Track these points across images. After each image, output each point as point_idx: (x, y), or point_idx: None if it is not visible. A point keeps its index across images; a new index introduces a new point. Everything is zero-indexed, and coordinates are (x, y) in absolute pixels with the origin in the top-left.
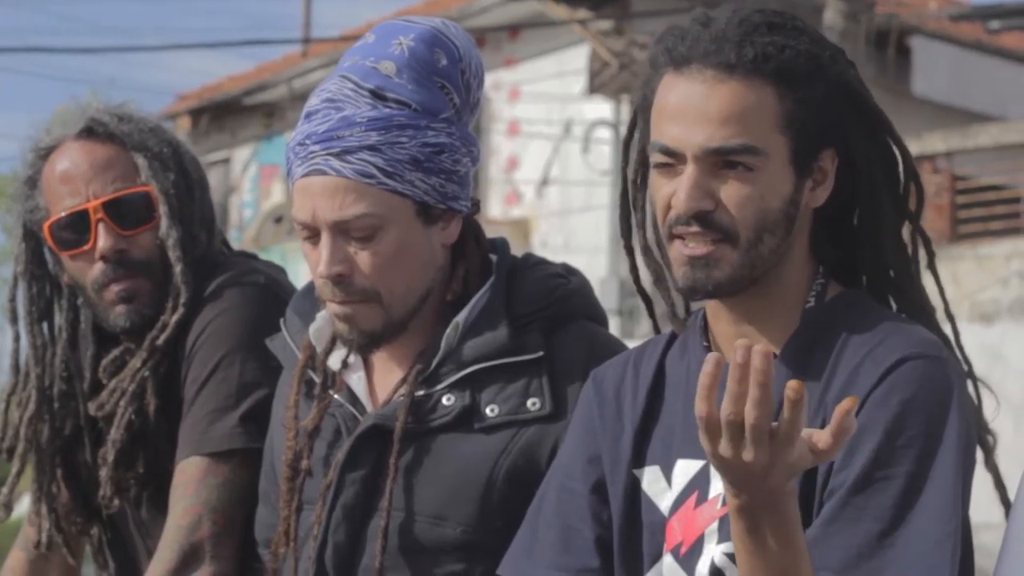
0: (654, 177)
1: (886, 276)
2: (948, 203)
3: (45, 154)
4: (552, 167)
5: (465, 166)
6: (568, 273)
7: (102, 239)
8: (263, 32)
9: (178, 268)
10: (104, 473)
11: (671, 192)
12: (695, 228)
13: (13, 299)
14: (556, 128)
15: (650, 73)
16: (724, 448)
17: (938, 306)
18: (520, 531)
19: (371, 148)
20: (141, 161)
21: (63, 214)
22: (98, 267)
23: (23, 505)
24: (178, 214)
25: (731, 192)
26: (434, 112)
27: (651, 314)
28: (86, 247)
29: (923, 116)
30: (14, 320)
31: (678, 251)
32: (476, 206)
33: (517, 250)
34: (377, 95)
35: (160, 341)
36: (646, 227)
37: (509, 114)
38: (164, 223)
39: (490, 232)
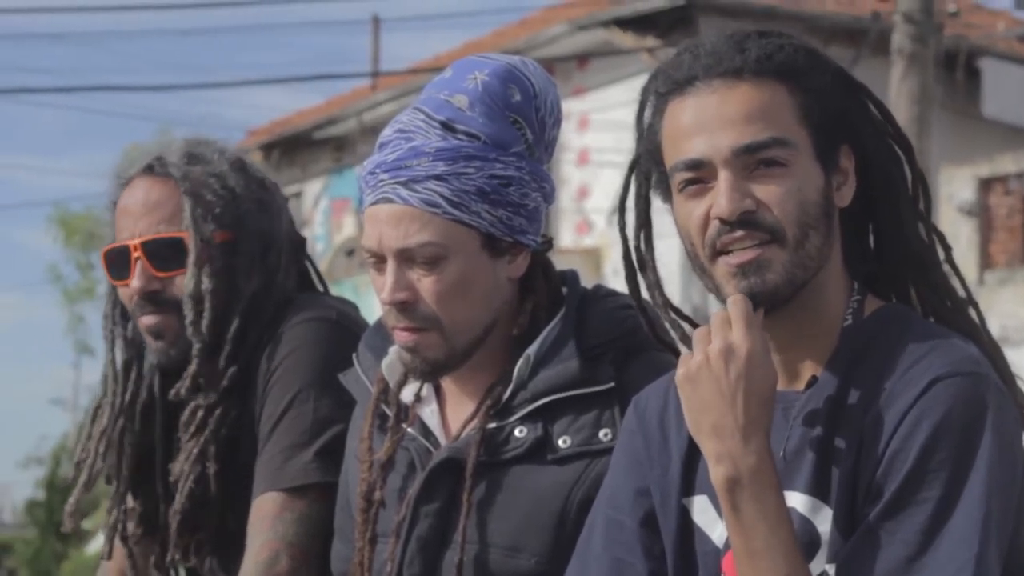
0: (680, 204)
1: (916, 276)
2: (1021, 224)
3: (125, 183)
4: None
5: (535, 201)
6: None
7: (136, 277)
8: (332, 66)
9: (197, 318)
10: (170, 538)
11: (705, 210)
12: (740, 233)
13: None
14: (626, 156)
15: (645, 122)
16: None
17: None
18: (570, 566)
19: (438, 178)
20: (187, 206)
21: (111, 246)
22: (134, 300)
23: (101, 541)
24: (218, 264)
25: (769, 190)
26: (504, 145)
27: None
28: (127, 280)
29: (994, 137)
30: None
31: (725, 266)
32: (548, 243)
33: (589, 279)
34: (447, 127)
35: (221, 390)
36: (661, 285)
37: (579, 143)
38: (188, 272)
39: (562, 261)
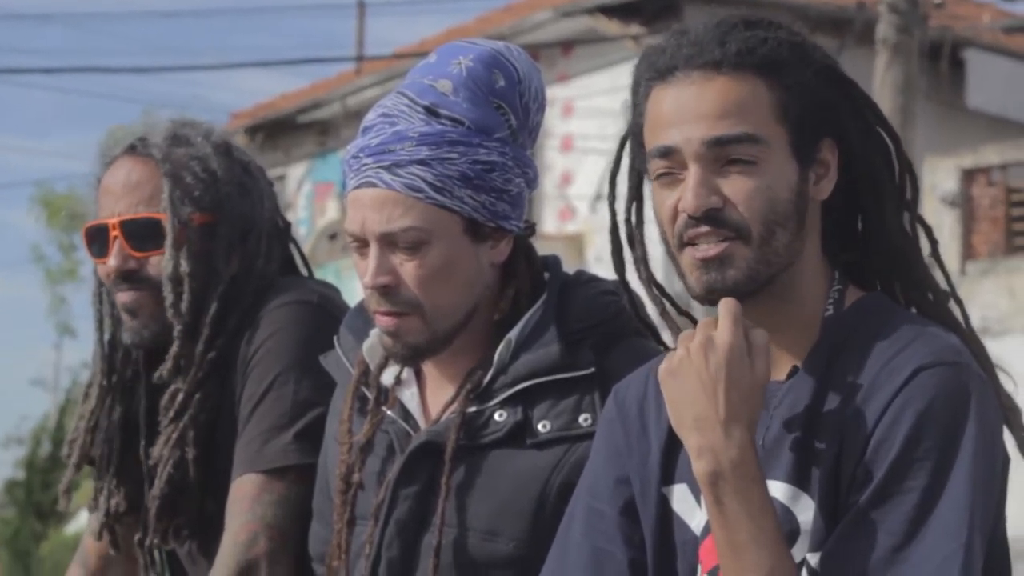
0: (655, 192)
1: (898, 269)
2: (1003, 215)
3: (109, 162)
4: (606, 182)
5: (518, 186)
6: (620, 290)
7: (113, 256)
8: (317, 50)
9: (176, 300)
10: (149, 521)
11: (675, 200)
12: (705, 228)
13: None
14: (610, 143)
15: (635, 99)
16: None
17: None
18: (550, 554)
19: (421, 162)
20: (166, 188)
21: (91, 224)
22: (111, 278)
23: (80, 521)
24: (196, 247)
25: (737, 187)
26: (488, 131)
27: (659, 342)
28: (105, 259)
29: (977, 129)
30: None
31: (690, 257)
32: (531, 229)
33: (572, 265)
34: (431, 111)
35: (200, 375)
36: (647, 261)
37: (563, 130)
38: (165, 254)
39: (545, 248)
